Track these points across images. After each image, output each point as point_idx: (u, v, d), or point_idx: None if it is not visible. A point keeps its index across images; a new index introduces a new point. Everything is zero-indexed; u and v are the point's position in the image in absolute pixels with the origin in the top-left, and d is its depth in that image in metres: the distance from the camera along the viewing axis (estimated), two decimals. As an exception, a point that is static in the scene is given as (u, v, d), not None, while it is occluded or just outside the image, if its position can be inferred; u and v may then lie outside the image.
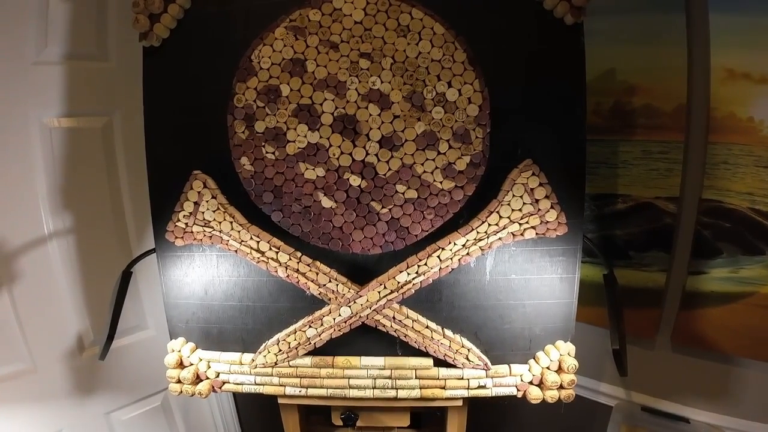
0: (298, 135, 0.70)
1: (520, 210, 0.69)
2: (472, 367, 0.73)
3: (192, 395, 0.79)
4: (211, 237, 0.74)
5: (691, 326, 0.90)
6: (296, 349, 0.75)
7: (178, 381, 0.79)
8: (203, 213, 0.74)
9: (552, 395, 0.73)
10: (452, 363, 0.73)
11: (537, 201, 0.69)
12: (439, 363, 0.74)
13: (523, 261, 0.71)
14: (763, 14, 0.75)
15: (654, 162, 0.89)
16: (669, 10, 0.82)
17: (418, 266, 0.70)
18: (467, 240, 0.69)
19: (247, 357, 0.77)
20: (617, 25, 0.86)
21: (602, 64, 0.87)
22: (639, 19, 0.86)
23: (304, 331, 0.74)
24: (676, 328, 0.92)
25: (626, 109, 0.89)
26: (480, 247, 0.70)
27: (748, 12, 0.76)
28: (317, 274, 0.72)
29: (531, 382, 0.74)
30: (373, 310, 0.72)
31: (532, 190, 0.68)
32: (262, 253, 0.72)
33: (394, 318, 0.72)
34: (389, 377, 0.74)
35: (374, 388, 0.75)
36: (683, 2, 0.81)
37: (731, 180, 0.82)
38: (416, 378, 0.74)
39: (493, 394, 0.74)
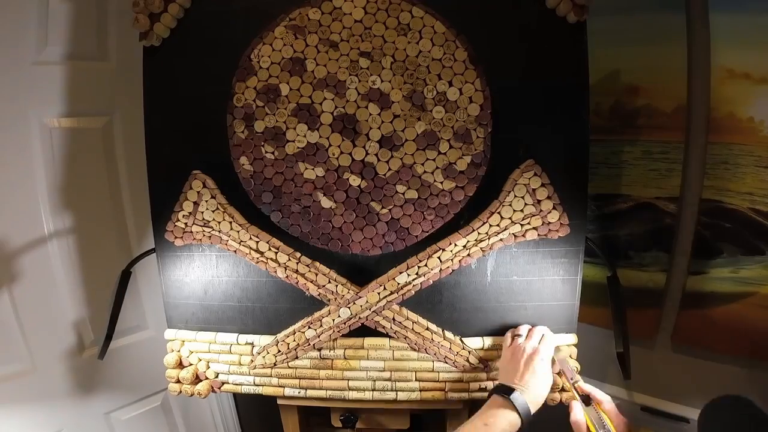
0: (298, 135, 0.70)
1: (521, 210, 0.69)
2: (473, 370, 0.73)
3: (191, 395, 0.79)
4: (210, 237, 0.74)
5: (691, 326, 0.90)
6: (295, 350, 0.75)
7: (178, 381, 0.78)
8: (203, 213, 0.74)
9: (553, 398, 0.73)
10: (452, 365, 0.73)
11: (539, 202, 0.68)
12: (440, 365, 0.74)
13: (524, 262, 0.71)
14: (763, 14, 0.74)
15: (654, 162, 0.88)
16: (669, 10, 0.82)
17: (418, 267, 0.70)
18: (468, 241, 0.69)
19: (246, 358, 0.77)
20: (617, 25, 0.86)
21: (602, 64, 0.86)
22: (639, 19, 0.85)
23: (303, 332, 0.74)
24: (676, 329, 0.92)
25: (626, 110, 0.89)
26: (481, 248, 0.70)
27: (748, 12, 0.76)
28: (316, 274, 0.72)
29: (532, 384, 0.74)
30: (373, 311, 0.72)
31: (533, 190, 0.68)
32: (261, 253, 0.72)
33: (394, 319, 0.72)
34: (389, 379, 0.74)
35: (374, 390, 0.74)
36: (683, 2, 0.80)
37: (731, 180, 0.82)
38: (416, 380, 0.74)
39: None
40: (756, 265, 0.82)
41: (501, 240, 0.70)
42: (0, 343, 0.97)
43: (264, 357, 0.76)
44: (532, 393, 0.64)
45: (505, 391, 0.63)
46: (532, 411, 0.63)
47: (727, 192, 0.83)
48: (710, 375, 0.92)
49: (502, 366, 0.69)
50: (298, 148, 0.70)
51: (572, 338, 0.73)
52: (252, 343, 0.77)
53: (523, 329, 0.71)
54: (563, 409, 0.74)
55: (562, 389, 0.73)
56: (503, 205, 0.69)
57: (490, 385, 0.73)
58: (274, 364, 0.76)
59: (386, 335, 0.73)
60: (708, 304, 0.87)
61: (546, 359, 0.67)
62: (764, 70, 0.76)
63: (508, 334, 0.71)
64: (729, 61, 0.78)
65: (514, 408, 0.62)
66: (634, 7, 0.85)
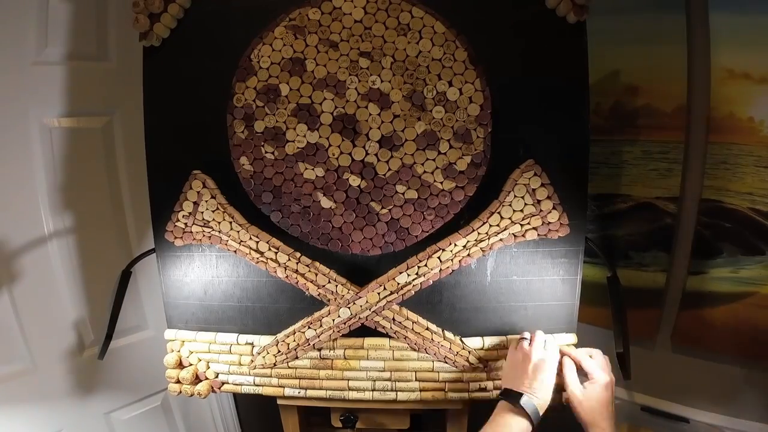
0: (298, 135, 0.70)
1: (521, 210, 0.69)
2: (473, 370, 0.73)
3: (191, 395, 0.79)
4: (210, 237, 0.74)
5: (691, 326, 0.90)
6: (295, 350, 0.75)
7: (178, 381, 0.78)
8: (202, 213, 0.74)
9: (553, 398, 0.73)
10: (453, 365, 0.73)
11: (539, 202, 0.68)
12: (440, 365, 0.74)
13: (524, 262, 0.71)
14: (763, 14, 0.74)
15: (654, 162, 0.88)
16: (669, 10, 0.82)
17: (418, 267, 0.70)
18: (468, 241, 0.69)
19: (246, 358, 0.77)
20: (617, 25, 0.86)
21: (602, 64, 0.86)
22: (639, 20, 0.85)
23: (303, 332, 0.74)
24: (676, 328, 0.92)
25: (626, 110, 0.89)
26: (481, 248, 0.70)
27: (748, 12, 0.76)
28: (316, 274, 0.72)
29: (532, 384, 0.74)
30: (373, 311, 0.72)
31: (533, 190, 0.68)
32: (261, 253, 0.72)
33: (393, 319, 0.72)
34: (389, 379, 0.74)
35: (374, 390, 0.74)
36: (683, 2, 0.80)
37: (731, 180, 0.82)
38: (416, 380, 0.74)
39: (494, 397, 0.74)
40: (756, 264, 0.82)
41: (501, 240, 0.70)
42: (0, 343, 0.97)
43: (264, 357, 0.76)
44: (541, 399, 0.65)
45: (514, 397, 0.64)
46: (540, 414, 0.64)
47: (726, 192, 0.83)
48: (710, 375, 0.92)
49: (508, 371, 0.70)
50: (298, 148, 0.70)
51: (572, 338, 0.73)
52: (252, 343, 0.77)
53: (528, 334, 0.71)
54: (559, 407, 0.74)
55: (562, 389, 0.73)
56: (503, 205, 0.69)
57: (490, 385, 0.73)
58: (274, 364, 0.76)
59: (386, 335, 0.73)
60: (708, 304, 0.87)
61: (552, 367, 0.68)
62: (764, 70, 0.76)
63: (514, 340, 0.71)
64: (729, 61, 0.78)
65: (525, 414, 0.62)
66: (634, 7, 0.85)
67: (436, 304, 0.73)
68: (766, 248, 0.81)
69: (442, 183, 0.69)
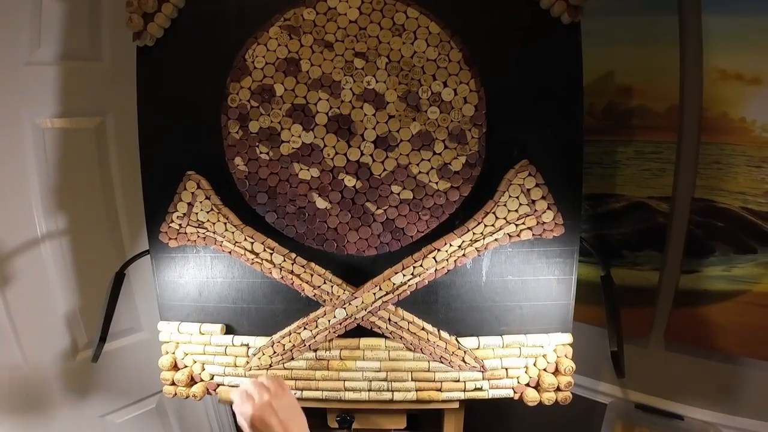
0: (293, 135, 0.70)
1: (516, 211, 0.69)
2: (469, 369, 0.73)
3: (186, 397, 0.78)
4: (204, 238, 0.74)
5: (684, 324, 0.91)
6: (291, 351, 0.74)
7: (173, 383, 0.78)
8: (197, 214, 0.73)
9: (549, 397, 0.73)
10: (448, 365, 0.73)
11: (533, 202, 0.69)
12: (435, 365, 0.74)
13: (519, 262, 0.71)
14: (754, 15, 0.75)
15: (647, 162, 0.89)
16: (662, 12, 0.83)
17: (414, 267, 0.70)
18: (463, 241, 0.69)
19: (242, 359, 0.76)
20: (610, 26, 0.87)
21: (595, 65, 0.87)
22: (632, 21, 0.86)
23: (299, 333, 0.74)
24: (669, 327, 0.93)
25: (619, 110, 0.90)
26: (476, 248, 0.70)
27: (740, 13, 0.76)
28: (312, 275, 0.72)
29: (528, 384, 0.74)
30: (369, 311, 0.72)
31: (528, 190, 0.68)
32: (257, 254, 0.72)
33: (389, 320, 0.72)
34: (385, 379, 0.74)
35: (370, 390, 0.74)
36: (676, 4, 0.81)
37: (723, 179, 0.83)
38: (412, 380, 0.74)
39: (490, 396, 0.74)
40: (748, 263, 0.83)
41: (496, 240, 0.70)
42: (-8, 346, 0.96)
43: (259, 358, 0.75)
44: None
45: None
46: None
47: (719, 191, 0.83)
48: (703, 372, 0.93)
49: None
50: (293, 148, 0.70)
51: (567, 337, 0.74)
52: (247, 345, 0.76)
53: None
54: (554, 406, 0.74)
55: (558, 389, 0.73)
56: (498, 205, 0.69)
57: (485, 384, 0.74)
58: (270, 366, 0.76)
59: (382, 335, 0.73)
60: (701, 302, 0.88)
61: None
62: (756, 70, 0.77)
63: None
64: (721, 62, 0.79)
65: None
66: (628, 9, 0.86)
67: (431, 304, 0.73)
68: (758, 247, 0.82)
69: (437, 183, 0.69)
